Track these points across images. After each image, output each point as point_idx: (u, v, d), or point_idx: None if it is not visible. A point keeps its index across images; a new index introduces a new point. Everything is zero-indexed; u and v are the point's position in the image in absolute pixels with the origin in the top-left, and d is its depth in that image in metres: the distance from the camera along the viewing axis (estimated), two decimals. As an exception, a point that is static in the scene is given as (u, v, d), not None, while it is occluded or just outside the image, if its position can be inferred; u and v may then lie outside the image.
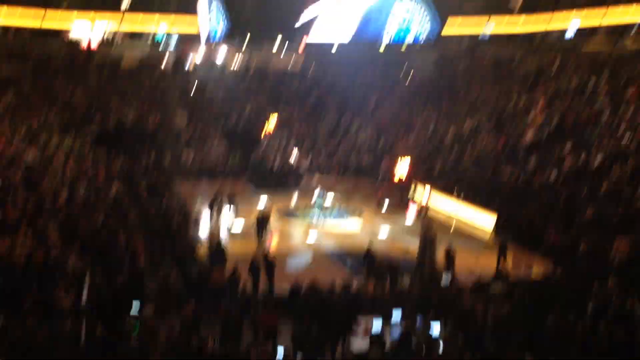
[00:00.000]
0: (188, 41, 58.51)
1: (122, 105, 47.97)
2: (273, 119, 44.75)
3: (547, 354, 12.42)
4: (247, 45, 59.72)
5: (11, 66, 46.76)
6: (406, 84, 55.07)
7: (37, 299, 13.99)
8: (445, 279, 20.12)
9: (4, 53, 48.25)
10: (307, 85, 56.06)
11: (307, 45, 60.49)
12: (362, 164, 43.98)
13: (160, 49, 57.31)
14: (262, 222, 26.34)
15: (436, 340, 14.52)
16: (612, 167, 28.00)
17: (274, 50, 60.46)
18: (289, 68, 60.03)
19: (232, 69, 56.29)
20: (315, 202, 31.78)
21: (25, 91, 43.67)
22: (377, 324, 15.30)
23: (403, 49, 59.52)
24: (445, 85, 50.87)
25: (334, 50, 60.65)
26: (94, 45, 54.53)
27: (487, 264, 23.31)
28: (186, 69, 55.36)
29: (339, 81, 56.30)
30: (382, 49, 60.69)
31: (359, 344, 14.86)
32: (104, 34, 55.39)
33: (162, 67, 55.80)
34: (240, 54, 58.52)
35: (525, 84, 43.36)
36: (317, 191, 32.47)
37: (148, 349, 12.87)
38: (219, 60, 56.08)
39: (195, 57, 55.99)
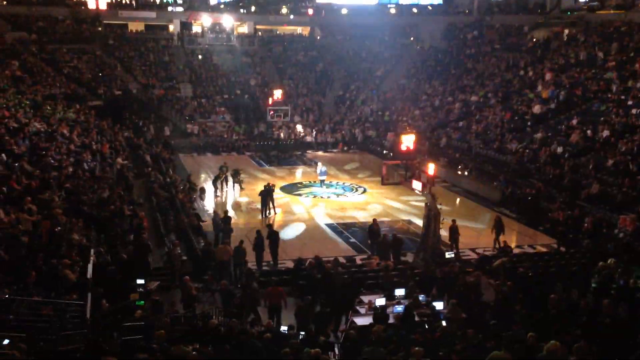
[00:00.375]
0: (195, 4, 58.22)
1: (127, 76, 47.85)
2: (278, 92, 44.40)
3: (549, 331, 12.39)
4: (253, 13, 59.33)
5: (16, 35, 46.56)
6: (414, 54, 54.65)
7: (43, 272, 14.05)
8: (449, 254, 20.10)
9: (8, 22, 47.93)
10: (313, 56, 55.70)
11: (315, 10, 59.97)
12: (367, 138, 43.66)
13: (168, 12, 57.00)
14: (265, 196, 26.29)
15: (439, 316, 14.55)
16: (618, 142, 27.78)
17: (281, 18, 60.09)
18: (295, 37, 59.74)
19: (238, 38, 55.85)
20: (319, 177, 31.78)
21: (30, 61, 43.47)
22: (380, 300, 15.33)
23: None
24: (453, 56, 50.42)
25: (344, 12, 59.99)
26: (102, 6, 54.10)
27: (490, 239, 23.35)
28: (192, 35, 54.96)
29: (346, 52, 56.02)
30: (393, 10, 60.15)
31: (362, 319, 14.89)
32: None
33: (169, 32, 55.57)
34: (247, 22, 58.11)
35: (534, 55, 42.94)
36: (320, 166, 32.47)
37: (153, 324, 12.92)
38: (225, 28, 55.60)
39: (202, 22, 55.51)
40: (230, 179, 30.67)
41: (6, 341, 9.95)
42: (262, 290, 16.73)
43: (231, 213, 24.63)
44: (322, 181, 31.64)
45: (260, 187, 27.55)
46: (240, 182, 30.67)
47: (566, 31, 43.28)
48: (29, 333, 11.36)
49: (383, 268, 18.77)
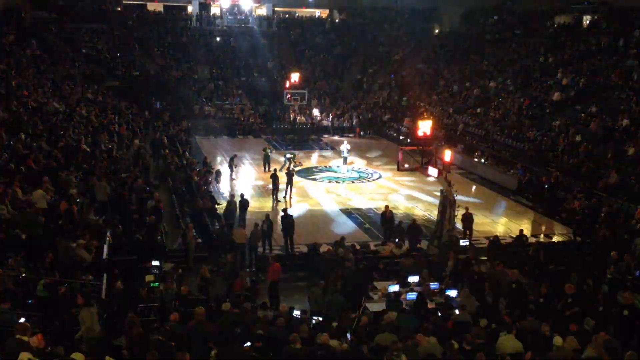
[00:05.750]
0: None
1: (145, 57, 47.93)
2: (295, 75, 44.25)
3: (564, 322, 12.35)
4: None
5: (36, 14, 46.68)
6: (433, 39, 54.24)
7: (59, 252, 14.19)
8: (464, 242, 20.04)
9: (29, 0, 48.00)
10: (331, 39, 55.42)
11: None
12: (384, 123, 43.44)
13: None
14: (277, 179, 26.17)
15: (452, 305, 14.51)
16: (638, 131, 27.43)
17: (300, 0, 59.78)
18: (313, 20, 59.42)
19: (256, 20, 55.63)
20: (334, 162, 31.79)
21: (49, 40, 43.61)
22: (393, 287, 15.34)
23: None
24: (472, 41, 49.93)
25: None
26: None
27: (506, 227, 23.25)
28: (210, 16, 54.78)
29: (364, 35, 55.64)
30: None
31: (376, 306, 14.91)
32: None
33: (187, 13, 55.44)
34: (265, 4, 57.77)
35: (554, 41, 42.40)
36: (345, 144, 32.61)
37: (166, 307, 13.05)
38: (243, 10, 55.37)
39: (221, 4, 55.25)
40: (245, 162, 30.68)
41: (22, 320, 10.07)
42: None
43: (246, 195, 24.58)
44: (338, 166, 31.72)
45: (274, 170, 27.35)
46: (267, 164, 30.70)
47: (588, 17, 42.62)
48: (44, 313, 11.51)
49: (397, 254, 18.78)
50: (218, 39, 52.86)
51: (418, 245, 20.39)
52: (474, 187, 29.92)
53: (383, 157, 35.91)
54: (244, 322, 11.61)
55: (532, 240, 20.80)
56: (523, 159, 30.38)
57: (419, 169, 32.05)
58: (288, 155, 30.98)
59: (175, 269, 16.02)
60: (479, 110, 38.60)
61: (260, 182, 29.17)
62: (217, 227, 20.53)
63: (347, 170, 31.82)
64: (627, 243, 18.63)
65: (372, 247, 20.37)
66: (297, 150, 35.39)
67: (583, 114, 31.61)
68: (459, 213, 21.21)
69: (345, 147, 32.41)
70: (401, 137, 39.06)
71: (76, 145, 22.41)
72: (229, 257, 16.89)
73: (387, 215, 21.42)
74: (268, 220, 20.14)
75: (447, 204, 20.39)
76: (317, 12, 61.29)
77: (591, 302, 13.85)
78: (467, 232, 21.29)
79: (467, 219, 21.41)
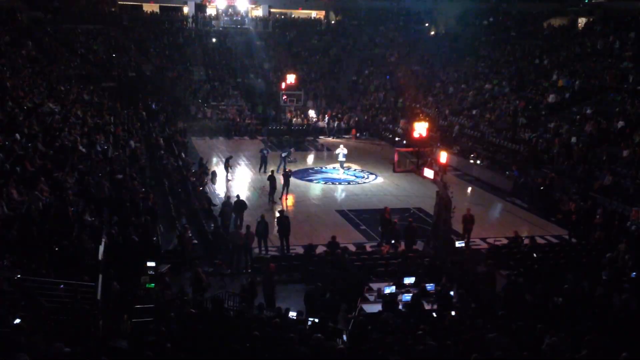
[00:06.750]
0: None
1: (141, 58, 47.87)
2: (291, 77, 44.21)
3: (559, 323, 12.39)
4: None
5: (32, 14, 46.57)
6: (428, 40, 54.31)
7: (54, 253, 14.15)
8: (459, 243, 20.06)
9: (25, 1, 47.86)
10: (327, 41, 55.42)
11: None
12: (379, 124, 43.45)
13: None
14: (274, 180, 26.17)
15: (448, 305, 14.54)
16: (633, 134, 27.52)
17: (296, 2, 59.76)
18: (310, 21, 59.37)
19: (252, 21, 55.59)
20: (331, 164, 31.75)
21: (45, 41, 43.54)
22: (389, 288, 15.35)
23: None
24: (468, 43, 50.02)
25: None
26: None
27: (503, 229, 23.29)
28: (206, 17, 54.69)
29: (360, 37, 55.69)
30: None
31: (371, 306, 14.92)
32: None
33: (183, 14, 55.33)
34: (261, 5, 57.72)
35: (550, 43, 42.53)
36: (342, 148, 32.55)
37: (163, 307, 13.02)
38: (239, 11, 55.33)
39: (217, 5, 55.18)
40: (241, 163, 30.66)
41: (17, 320, 10.05)
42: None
43: (242, 196, 24.54)
44: (334, 167, 31.72)
45: (270, 172, 27.37)
46: (263, 165, 30.58)
47: (583, 19, 42.80)
48: (39, 314, 11.46)
49: (393, 255, 18.80)
50: (214, 40, 52.80)
51: (414, 247, 20.41)
52: (469, 189, 29.96)
53: (379, 159, 35.90)
54: (236, 324, 11.61)
55: (527, 241, 20.84)
56: (518, 161, 30.43)
57: (415, 170, 31.98)
58: (283, 154, 30.96)
59: (163, 275, 15.98)
60: (474, 112, 38.68)
61: (257, 184, 29.16)
62: (213, 228, 20.49)
63: (344, 172, 31.82)
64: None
65: (369, 249, 20.39)
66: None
67: (578, 116, 31.73)
68: (454, 214, 21.18)
69: (341, 151, 32.33)
70: (397, 139, 39.02)
71: (72, 146, 22.36)
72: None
73: (383, 217, 21.44)
74: (263, 221, 20.14)
75: (442, 206, 20.41)
76: (313, 14, 61.28)
77: (586, 303, 13.90)
78: (466, 233, 21.29)
79: (468, 220, 21.41)
